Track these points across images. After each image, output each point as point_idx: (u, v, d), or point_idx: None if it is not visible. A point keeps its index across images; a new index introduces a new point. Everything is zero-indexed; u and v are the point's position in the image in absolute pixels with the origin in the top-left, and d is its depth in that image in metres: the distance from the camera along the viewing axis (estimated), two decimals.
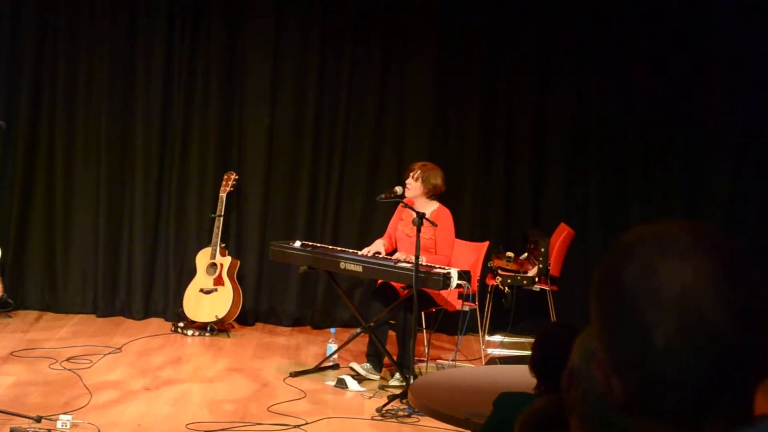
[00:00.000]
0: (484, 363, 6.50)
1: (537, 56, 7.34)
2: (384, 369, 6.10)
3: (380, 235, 6.41)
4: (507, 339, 6.77)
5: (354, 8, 7.29)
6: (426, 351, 6.41)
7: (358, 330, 6.11)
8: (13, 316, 7.13)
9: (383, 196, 5.98)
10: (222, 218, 7.08)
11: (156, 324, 7.24)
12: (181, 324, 7.00)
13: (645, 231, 1.04)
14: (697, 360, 0.97)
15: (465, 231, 7.05)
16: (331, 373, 6.17)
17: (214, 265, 7.03)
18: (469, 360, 6.67)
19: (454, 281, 5.65)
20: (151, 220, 7.37)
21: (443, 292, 5.92)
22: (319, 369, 6.18)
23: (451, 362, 6.32)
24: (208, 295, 6.99)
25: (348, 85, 7.32)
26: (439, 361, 6.52)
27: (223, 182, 7.15)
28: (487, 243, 6.69)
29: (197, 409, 5.36)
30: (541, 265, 6.39)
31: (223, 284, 7.00)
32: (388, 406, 5.44)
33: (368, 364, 6.03)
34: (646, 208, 7.23)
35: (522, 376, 3.16)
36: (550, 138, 7.40)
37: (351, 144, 7.39)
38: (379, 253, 6.10)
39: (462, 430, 3.78)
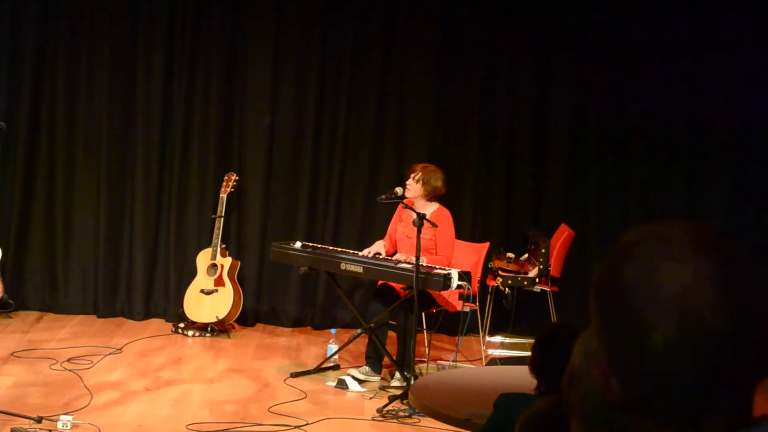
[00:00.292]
0: (484, 364, 6.50)
1: (537, 56, 7.34)
2: (384, 370, 6.10)
3: (381, 235, 6.41)
4: (507, 340, 6.77)
5: (354, 8, 7.29)
6: (426, 352, 6.41)
7: (359, 331, 6.11)
8: (13, 317, 7.13)
9: (383, 197, 5.98)
10: (222, 219, 7.08)
11: (156, 325, 7.24)
12: (181, 325, 7.00)
13: (645, 231, 1.04)
14: (695, 360, 0.97)
15: (465, 232, 7.05)
16: (331, 373, 6.17)
17: (214, 265, 7.03)
18: (470, 361, 6.67)
19: (455, 282, 5.65)
20: (151, 220, 7.37)
21: (444, 293, 5.92)
22: (319, 370, 6.18)
23: (451, 363, 6.32)
24: (209, 296, 6.99)
25: (348, 86, 7.32)
26: (439, 361, 6.52)
27: (224, 183, 7.15)
28: (487, 244, 6.70)
29: (198, 410, 5.36)
30: (541, 266, 6.38)
31: (223, 285, 7.00)
32: (389, 407, 5.44)
33: (366, 367, 6.03)
34: (646, 209, 7.23)
35: (522, 377, 3.16)
36: (551, 139, 7.40)
37: (351, 145, 7.39)
38: (379, 253, 6.10)
39: (462, 430, 3.78)
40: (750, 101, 7.22)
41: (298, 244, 6.38)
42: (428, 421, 4.97)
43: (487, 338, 6.85)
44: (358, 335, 6.15)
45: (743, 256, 1.02)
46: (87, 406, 5.26)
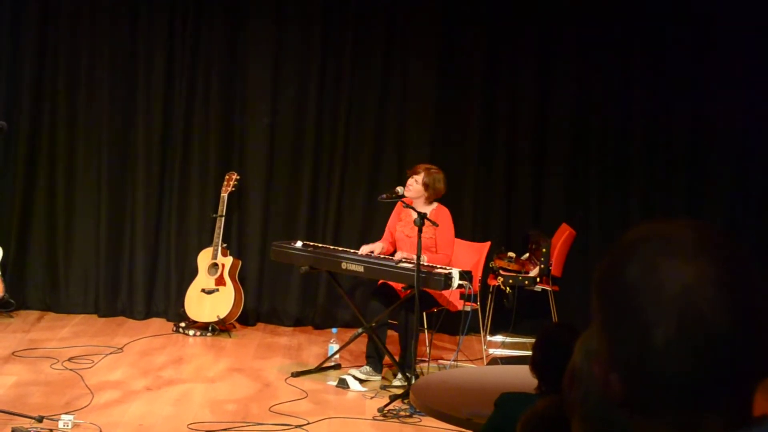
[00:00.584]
0: (485, 363, 6.50)
1: (538, 56, 7.34)
2: (385, 369, 6.11)
3: (381, 234, 6.41)
4: (508, 339, 6.77)
5: (355, 9, 7.29)
6: (428, 351, 6.41)
7: (360, 330, 6.11)
8: (14, 316, 7.13)
9: (384, 196, 5.99)
10: (223, 218, 7.08)
11: (157, 324, 7.24)
12: (182, 324, 7.00)
13: (648, 229, 1.04)
14: (695, 360, 0.97)
15: (466, 231, 7.05)
16: (332, 373, 6.17)
17: (215, 265, 7.03)
18: (471, 360, 6.67)
19: (456, 281, 5.65)
20: (152, 220, 7.37)
21: (445, 293, 5.92)
22: (320, 369, 6.18)
23: (452, 362, 6.32)
24: (210, 295, 7.00)
25: (349, 86, 7.32)
26: (440, 361, 6.52)
27: (225, 182, 7.16)
28: (488, 243, 6.70)
29: (199, 409, 5.36)
30: (542, 266, 6.38)
31: (224, 284, 7.00)
32: (390, 407, 5.44)
33: (367, 367, 6.03)
34: (647, 209, 7.23)
35: (523, 377, 3.16)
36: (551, 138, 7.40)
37: (352, 144, 7.39)
38: (372, 251, 6.10)
39: (463, 430, 3.78)
40: (751, 101, 7.22)
41: (298, 244, 6.38)
42: (429, 421, 4.98)
43: (488, 338, 6.85)
44: (359, 335, 6.15)
45: (745, 256, 1.02)
46: (88, 405, 5.26)
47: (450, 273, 5.67)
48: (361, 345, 6.36)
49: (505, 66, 7.38)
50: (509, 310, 6.40)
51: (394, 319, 6.04)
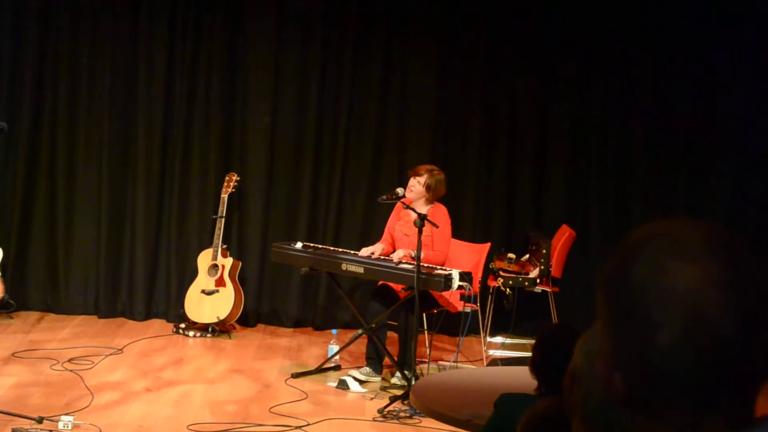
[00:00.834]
0: (485, 364, 6.50)
1: (538, 57, 7.34)
2: (385, 370, 6.10)
3: (381, 235, 6.41)
4: (508, 340, 6.77)
5: (355, 10, 7.30)
6: (427, 352, 6.41)
7: (360, 331, 6.11)
8: (14, 317, 7.13)
9: (384, 197, 5.98)
10: (223, 219, 7.08)
11: (157, 325, 7.24)
12: (182, 325, 7.00)
13: (656, 229, 1.04)
14: (698, 361, 0.97)
15: (466, 232, 7.06)
16: (332, 374, 6.17)
17: (215, 266, 7.03)
18: (471, 361, 6.67)
19: (456, 282, 5.65)
20: (152, 221, 7.37)
21: (445, 294, 5.92)
22: (320, 370, 6.18)
23: (452, 363, 6.32)
24: (210, 297, 7.00)
25: (350, 87, 7.32)
26: (440, 362, 6.52)
27: (225, 183, 7.16)
28: (488, 244, 6.69)
29: (199, 410, 5.36)
30: (542, 267, 6.38)
31: (224, 285, 7.00)
32: (390, 408, 5.44)
33: (367, 368, 6.03)
34: (647, 209, 7.23)
35: (523, 378, 3.16)
36: (552, 139, 7.40)
37: (352, 145, 7.39)
38: (373, 253, 6.10)
39: (463, 431, 3.78)
40: (751, 101, 7.22)
41: (299, 245, 6.38)
42: (429, 422, 4.97)
43: (488, 339, 6.85)
44: (359, 336, 6.15)
45: (753, 258, 1.01)
46: (88, 406, 5.26)
47: (450, 274, 5.67)
48: (361, 346, 6.36)
49: (505, 66, 7.38)
50: (509, 311, 6.40)
51: (393, 320, 6.03)
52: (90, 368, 6.01)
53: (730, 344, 0.97)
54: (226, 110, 7.35)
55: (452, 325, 6.54)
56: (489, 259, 6.68)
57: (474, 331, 6.57)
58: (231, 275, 7.04)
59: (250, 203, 7.40)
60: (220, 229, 7.05)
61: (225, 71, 7.33)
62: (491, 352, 6.76)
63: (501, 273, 6.50)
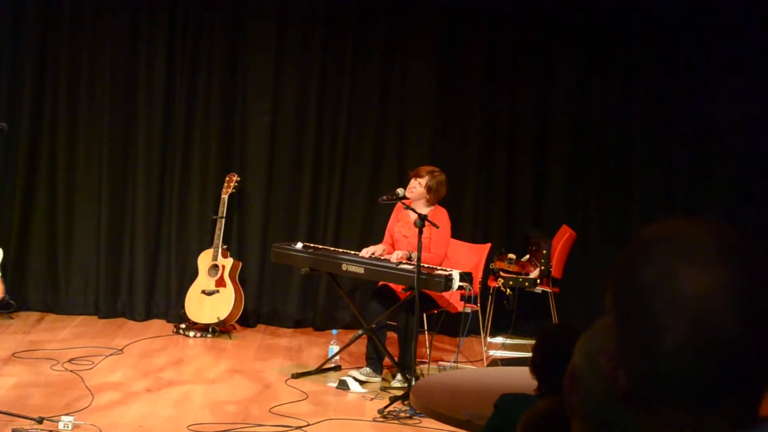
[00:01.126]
0: (485, 365, 6.50)
1: (538, 57, 7.34)
2: (385, 370, 6.10)
3: (382, 236, 6.41)
4: (508, 341, 6.77)
5: (355, 9, 7.29)
6: (428, 353, 6.41)
7: (360, 332, 6.11)
8: (14, 318, 7.13)
9: (385, 197, 5.98)
10: (224, 220, 7.08)
11: (158, 325, 7.24)
12: (182, 325, 7.00)
13: (667, 229, 1.03)
14: (701, 365, 0.97)
15: (467, 233, 7.06)
16: (332, 374, 6.17)
17: (215, 266, 7.03)
18: (471, 362, 6.67)
19: (456, 283, 5.65)
20: (152, 221, 7.37)
21: (445, 294, 5.92)
22: (320, 370, 6.17)
23: (452, 364, 6.32)
24: (210, 297, 7.00)
25: (350, 87, 7.32)
26: (440, 362, 6.52)
27: (225, 184, 7.16)
28: (488, 245, 6.69)
29: (199, 411, 5.36)
30: (542, 267, 6.38)
31: (224, 286, 7.00)
32: (390, 408, 5.44)
33: (368, 368, 6.03)
34: (647, 210, 7.23)
35: (523, 378, 3.16)
36: (552, 139, 7.40)
37: (353, 145, 7.39)
38: (373, 253, 6.10)
39: (463, 431, 3.78)
40: (751, 101, 7.22)
41: (299, 245, 6.38)
42: (429, 422, 4.97)
43: (488, 339, 6.84)
44: (360, 336, 6.15)
45: (764, 262, 1.01)
46: (88, 406, 5.26)
47: (450, 274, 5.67)
48: (361, 346, 6.36)
49: (505, 66, 7.38)
50: (509, 312, 6.40)
51: (393, 320, 6.03)
52: (90, 368, 6.01)
53: (736, 348, 0.96)
54: (226, 110, 7.35)
55: (452, 326, 6.54)
56: (489, 259, 6.68)
57: (474, 331, 6.56)
58: (231, 275, 7.04)
59: (250, 203, 7.40)
60: (220, 229, 7.05)
61: (225, 71, 7.33)
62: (491, 352, 6.76)
63: (501, 273, 6.50)
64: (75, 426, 4.90)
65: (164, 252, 7.42)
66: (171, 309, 7.33)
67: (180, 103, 7.32)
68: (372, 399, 5.71)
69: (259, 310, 7.42)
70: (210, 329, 6.94)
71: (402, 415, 5.38)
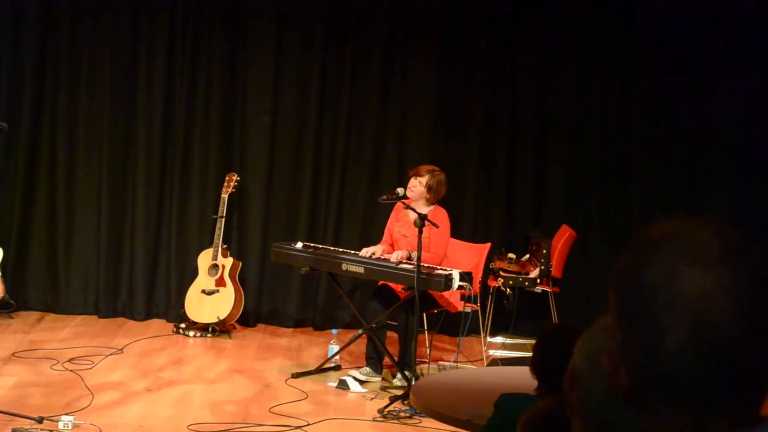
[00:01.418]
0: (485, 364, 6.50)
1: (538, 57, 7.34)
2: (385, 370, 6.11)
3: (381, 235, 6.41)
4: (508, 340, 6.77)
5: (355, 9, 7.30)
6: (428, 352, 6.41)
7: (360, 331, 6.11)
8: (14, 317, 7.13)
9: (385, 197, 5.98)
10: (224, 219, 7.08)
11: (157, 325, 7.24)
12: (182, 325, 7.00)
13: (673, 229, 1.03)
14: (701, 366, 0.97)
15: (467, 232, 7.06)
16: (332, 374, 6.17)
17: (215, 266, 7.03)
18: (471, 361, 6.67)
19: (456, 283, 5.65)
20: (152, 221, 7.37)
21: (445, 294, 5.92)
22: (320, 370, 6.18)
23: (452, 363, 6.32)
24: (210, 296, 7.00)
25: (350, 87, 7.32)
26: (440, 362, 6.53)
27: (225, 183, 7.16)
28: (488, 244, 6.69)
29: (199, 410, 5.36)
30: (542, 267, 6.38)
31: (224, 285, 7.00)
32: (390, 408, 5.44)
33: (367, 368, 6.03)
34: (647, 209, 7.23)
35: (523, 378, 3.16)
36: (552, 139, 7.40)
37: (353, 145, 7.39)
38: (374, 253, 6.10)
39: (463, 431, 3.78)
40: (751, 101, 7.22)
41: (299, 245, 6.38)
42: (429, 422, 4.98)
43: (488, 339, 6.85)
44: (360, 336, 6.15)
45: (766, 264, 1.01)
46: (88, 406, 5.27)
47: (450, 274, 5.67)
48: (361, 346, 6.36)
49: (505, 66, 7.38)
50: (509, 312, 6.39)
51: (393, 320, 6.04)
52: (90, 368, 6.01)
53: (735, 349, 0.97)
54: (226, 110, 7.35)
55: (452, 325, 6.54)
56: (489, 259, 6.68)
57: (474, 331, 6.57)
58: (231, 275, 7.04)
59: (250, 203, 7.40)
60: (220, 229, 7.05)
61: (225, 71, 7.33)
62: (491, 352, 6.76)
63: (501, 273, 6.50)
64: (75, 426, 4.90)
65: (164, 252, 7.42)
66: (171, 309, 7.33)
67: (180, 103, 7.32)
68: (372, 399, 5.71)
69: (259, 309, 7.42)
70: (210, 329, 6.94)
71: (402, 414, 5.38)
